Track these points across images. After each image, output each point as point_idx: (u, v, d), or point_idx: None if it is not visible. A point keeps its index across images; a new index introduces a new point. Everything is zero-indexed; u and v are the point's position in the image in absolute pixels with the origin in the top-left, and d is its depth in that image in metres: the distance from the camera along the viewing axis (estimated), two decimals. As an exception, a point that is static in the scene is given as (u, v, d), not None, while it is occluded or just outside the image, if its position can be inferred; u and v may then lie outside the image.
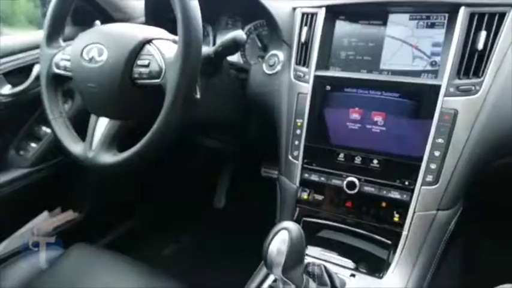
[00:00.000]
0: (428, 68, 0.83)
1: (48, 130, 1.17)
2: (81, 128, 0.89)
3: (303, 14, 0.95)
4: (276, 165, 1.07)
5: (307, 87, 0.89)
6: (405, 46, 0.85)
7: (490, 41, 0.77)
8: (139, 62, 0.76)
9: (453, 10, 0.80)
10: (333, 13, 0.92)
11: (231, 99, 1.01)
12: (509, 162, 0.82)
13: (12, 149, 1.16)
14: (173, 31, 0.84)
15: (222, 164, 1.55)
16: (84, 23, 1.21)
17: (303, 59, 0.93)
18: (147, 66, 0.75)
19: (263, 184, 1.17)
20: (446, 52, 0.80)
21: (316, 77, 0.89)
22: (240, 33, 0.81)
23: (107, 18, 1.27)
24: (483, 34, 0.77)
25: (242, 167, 1.52)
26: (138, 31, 0.79)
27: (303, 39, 0.93)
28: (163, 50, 0.76)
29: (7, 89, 1.10)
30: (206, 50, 0.84)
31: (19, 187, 1.13)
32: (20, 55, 1.13)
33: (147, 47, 0.77)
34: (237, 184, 1.58)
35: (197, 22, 0.71)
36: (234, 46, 0.82)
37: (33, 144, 1.17)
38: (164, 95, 0.72)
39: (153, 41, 0.78)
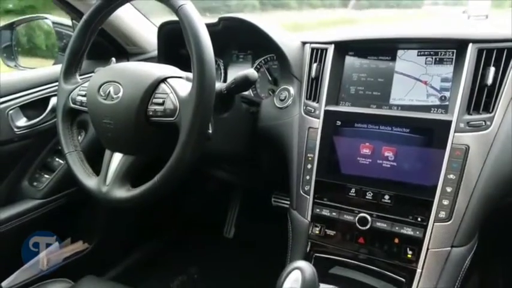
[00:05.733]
0: (438, 103, 0.84)
1: (62, 161, 1.19)
2: (94, 159, 0.91)
3: (312, 50, 0.98)
4: (286, 194, 1.07)
5: (317, 122, 0.90)
6: (414, 81, 0.87)
7: (499, 76, 0.78)
8: (154, 100, 0.78)
9: (461, 46, 0.82)
10: (342, 49, 0.94)
11: (242, 133, 1.02)
12: None
13: (26, 180, 1.17)
14: (185, 66, 0.86)
15: (232, 193, 1.55)
16: (99, 56, 1.25)
17: (313, 94, 0.94)
18: (161, 104, 0.77)
19: (273, 213, 1.17)
20: (455, 88, 0.81)
21: (326, 112, 0.90)
22: (252, 72, 0.83)
23: (122, 52, 1.31)
24: (492, 70, 0.78)
25: (252, 196, 1.52)
26: (153, 70, 0.81)
27: (313, 74, 0.95)
28: (177, 88, 0.77)
29: (23, 122, 1.12)
30: (219, 86, 0.86)
31: (30, 218, 1.14)
32: (37, 89, 1.16)
33: (162, 85, 0.79)
34: (247, 213, 1.57)
35: (210, 62, 0.73)
36: (246, 84, 0.84)
37: (46, 176, 1.19)
38: (178, 132, 0.74)
39: (168, 80, 0.80)
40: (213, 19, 1.08)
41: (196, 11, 0.77)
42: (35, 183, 1.18)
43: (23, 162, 1.16)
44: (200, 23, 0.74)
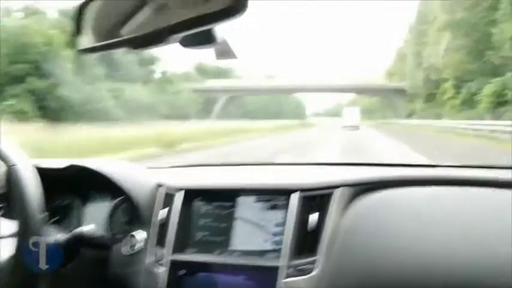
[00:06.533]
0: (273, 247, 0.90)
1: None
2: None
3: (164, 194, 1.02)
4: None
5: (163, 271, 0.90)
6: (252, 227, 0.94)
7: (322, 220, 0.88)
8: None
9: (289, 194, 0.92)
10: (191, 195, 0.99)
11: (90, 283, 0.97)
12: None
13: None
14: None
15: None
16: None
17: (160, 241, 0.96)
18: None
19: None
20: (286, 233, 0.89)
21: (172, 262, 0.91)
22: (88, 228, 0.83)
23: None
24: (315, 215, 0.88)
25: None
26: None
27: (161, 220, 0.97)
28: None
29: None
30: (57, 238, 0.83)
31: None
32: None
33: None
34: None
35: (33, 226, 0.72)
36: (83, 241, 0.83)
37: None
38: None
39: None
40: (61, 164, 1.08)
41: (30, 171, 0.77)
42: None
43: None
44: (30, 186, 0.74)
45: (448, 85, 22.93)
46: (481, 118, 16.06)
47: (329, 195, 0.91)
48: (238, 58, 0.75)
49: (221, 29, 0.60)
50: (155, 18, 0.57)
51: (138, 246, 0.98)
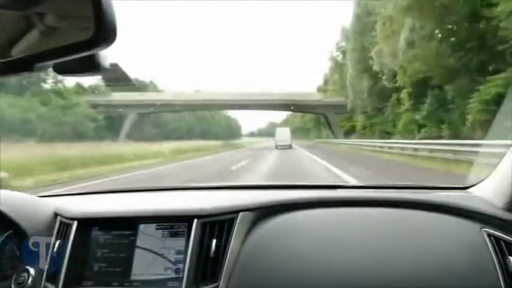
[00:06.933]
0: (173, 276, 0.88)
1: None
2: None
3: (59, 223, 0.96)
4: None
5: None
6: (153, 255, 0.90)
7: (223, 246, 0.87)
8: None
9: (190, 220, 0.91)
10: (87, 224, 0.94)
11: None
12: None
13: None
14: None
15: None
16: None
17: (53, 275, 0.89)
18: None
19: None
20: (187, 260, 0.87)
21: None
22: None
23: None
24: (214, 242, 0.87)
25: None
26: None
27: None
28: None
29: None
30: None
31: None
32: None
33: None
34: None
35: None
36: None
37: None
38: None
39: None
40: None
41: None
42: None
43: None
44: None
45: (403, 94, 16.58)
46: (465, 138, 9.73)
47: (231, 221, 0.91)
48: (134, 84, 0.73)
49: (112, 55, 0.58)
50: (23, 45, 0.55)
51: (30, 281, 0.91)
